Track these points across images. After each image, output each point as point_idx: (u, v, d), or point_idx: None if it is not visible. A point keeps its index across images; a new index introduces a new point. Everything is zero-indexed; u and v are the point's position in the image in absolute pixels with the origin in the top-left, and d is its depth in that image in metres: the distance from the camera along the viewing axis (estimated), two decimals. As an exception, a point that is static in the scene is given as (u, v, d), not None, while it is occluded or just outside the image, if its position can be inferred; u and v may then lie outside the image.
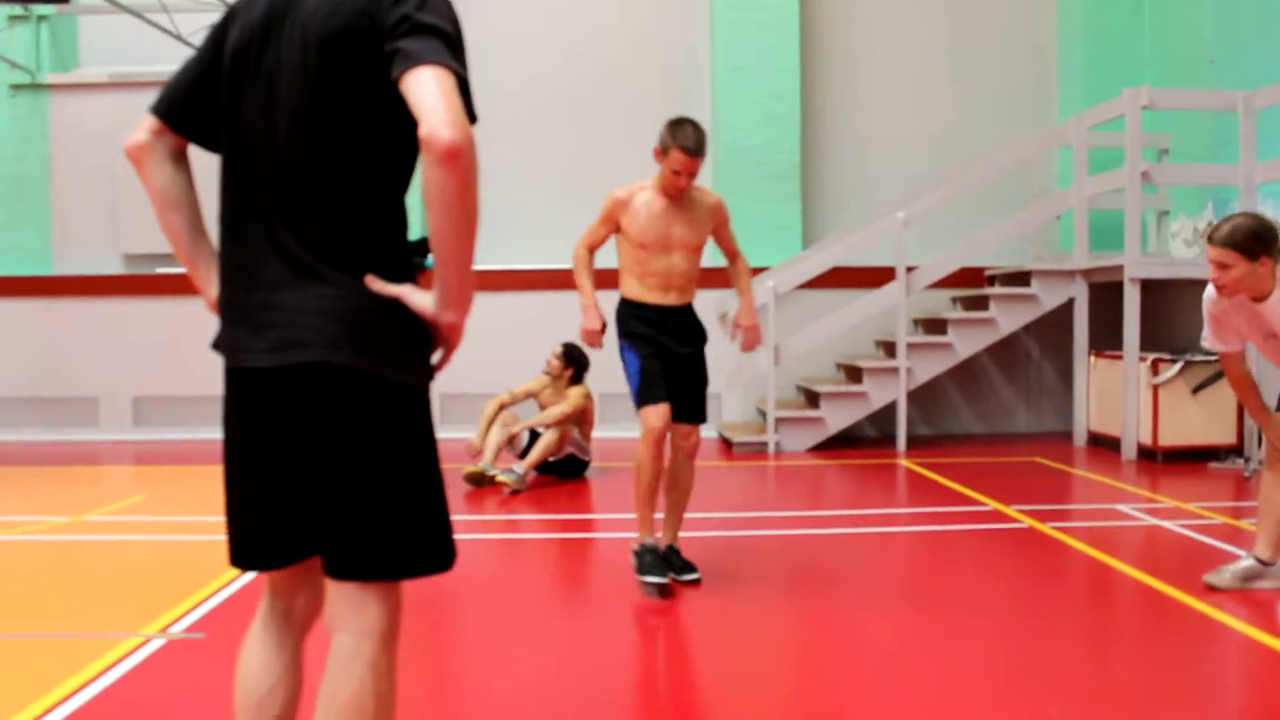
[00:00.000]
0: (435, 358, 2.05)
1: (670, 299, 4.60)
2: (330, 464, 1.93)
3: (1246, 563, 4.35)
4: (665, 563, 4.63)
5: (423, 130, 1.76)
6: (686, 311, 4.65)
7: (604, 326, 4.64)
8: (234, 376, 2.03)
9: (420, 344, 1.99)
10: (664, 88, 10.26)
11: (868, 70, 10.30)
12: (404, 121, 1.85)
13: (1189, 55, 9.27)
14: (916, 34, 10.33)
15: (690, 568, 4.67)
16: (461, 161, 1.76)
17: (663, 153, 4.42)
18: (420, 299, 1.95)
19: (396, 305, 1.94)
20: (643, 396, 4.51)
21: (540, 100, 10.21)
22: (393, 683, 2.03)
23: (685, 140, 4.36)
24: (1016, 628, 4.04)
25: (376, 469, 1.94)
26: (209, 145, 2.11)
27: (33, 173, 10.11)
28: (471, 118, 1.85)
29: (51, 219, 10.13)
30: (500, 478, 6.85)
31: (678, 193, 4.49)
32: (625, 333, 4.61)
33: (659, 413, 4.46)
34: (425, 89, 1.78)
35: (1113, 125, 8.61)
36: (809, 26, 10.13)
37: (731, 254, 4.84)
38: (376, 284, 1.92)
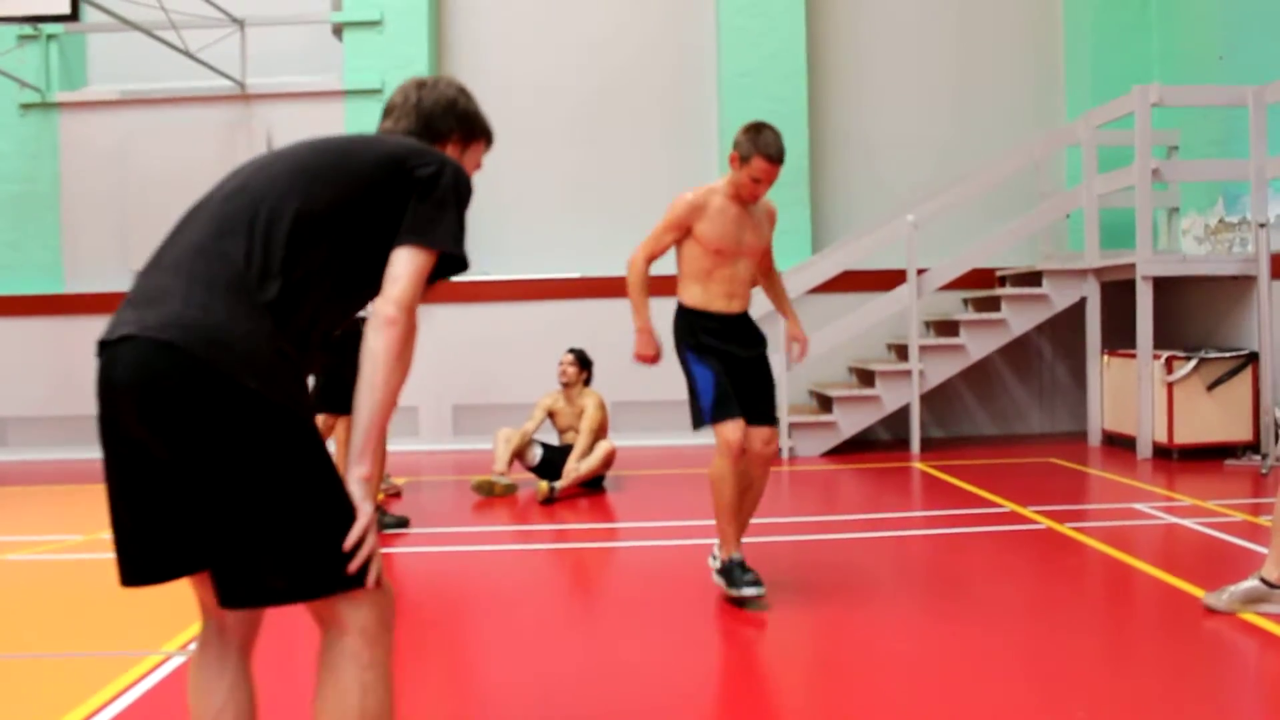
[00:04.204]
0: (354, 535, 2.01)
1: (734, 307, 4.52)
2: (200, 485, 1.97)
3: (1251, 584, 4.03)
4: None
5: (377, 301, 2.09)
6: (747, 319, 4.59)
7: (659, 353, 4.51)
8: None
9: (284, 371, 2.01)
10: (670, 95, 10.26)
11: (874, 73, 10.29)
12: (384, 247, 2.12)
13: (1197, 51, 9.24)
14: (923, 36, 10.32)
15: (755, 582, 4.45)
16: (394, 329, 2.06)
17: (742, 160, 4.33)
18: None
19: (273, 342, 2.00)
20: (720, 412, 4.37)
21: (546, 109, 10.22)
22: (382, 674, 2.06)
23: (768, 148, 4.29)
24: (1037, 629, 4.01)
25: (239, 491, 1.95)
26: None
27: (43, 191, 10.13)
28: (460, 267, 2.20)
29: (62, 237, 10.15)
30: (542, 484, 6.86)
31: (753, 200, 4.45)
32: (693, 345, 4.47)
33: (738, 427, 4.35)
34: (399, 267, 2.11)
35: (1121, 123, 8.58)
36: (815, 30, 10.12)
37: (768, 267, 4.77)
38: None
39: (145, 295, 2.04)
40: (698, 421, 4.43)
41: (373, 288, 2.13)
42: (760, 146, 4.29)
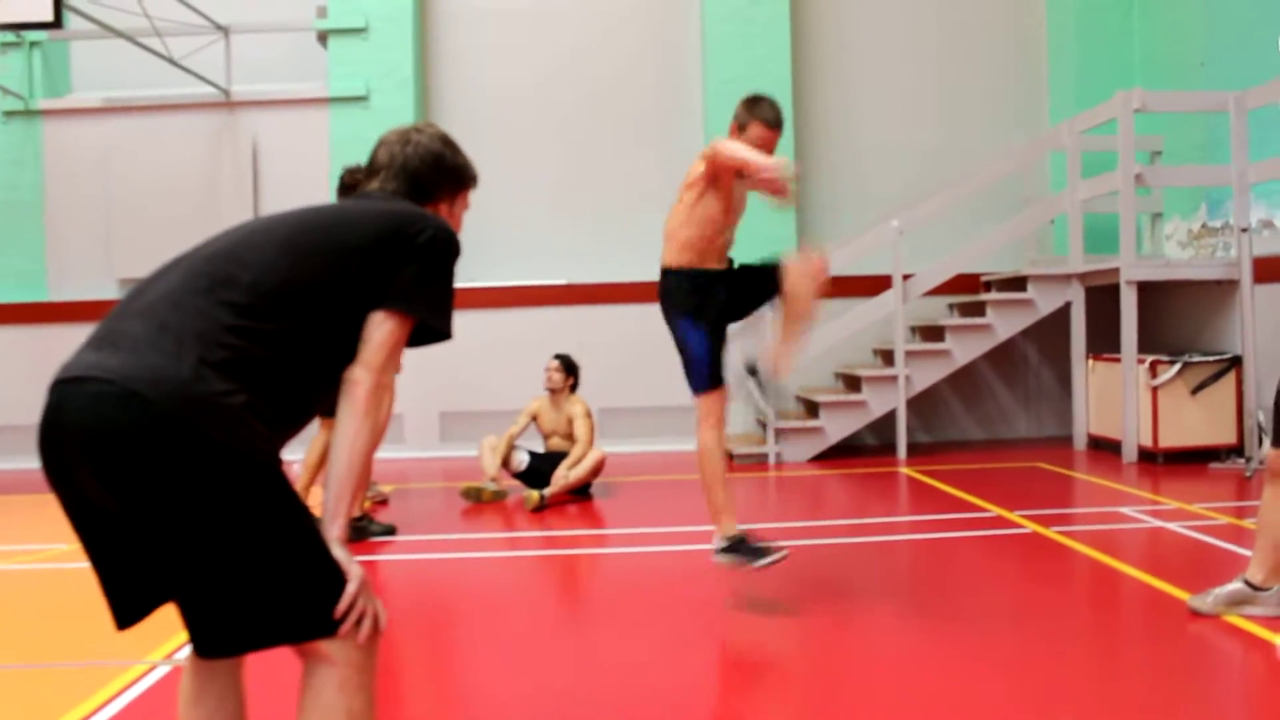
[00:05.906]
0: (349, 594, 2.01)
1: (721, 266, 4.58)
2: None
3: (1235, 586, 4.01)
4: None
5: (352, 365, 2.11)
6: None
7: (795, 174, 4.30)
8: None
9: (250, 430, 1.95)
10: (656, 101, 10.28)
11: (859, 79, 10.32)
12: (360, 315, 2.14)
13: (1179, 58, 9.31)
14: (907, 41, 10.36)
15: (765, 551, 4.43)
16: (358, 390, 2.10)
17: (741, 129, 4.37)
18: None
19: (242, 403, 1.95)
20: (714, 379, 4.42)
21: (532, 116, 10.21)
22: (368, 700, 2.04)
23: (765, 114, 4.35)
24: (1023, 633, 4.02)
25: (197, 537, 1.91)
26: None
27: (26, 199, 10.08)
28: (443, 334, 2.23)
29: (45, 245, 10.10)
30: (531, 494, 6.84)
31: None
32: (691, 308, 4.42)
33: (725, 395, 4.47)
34: (372, 330, 2.14)
35: (1105, 129, 8.64)
36: (799, 37, 10.15)
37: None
38: None
39: (109, 339, 1.97)
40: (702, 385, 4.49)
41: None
42: (757, 113, 4.35)
